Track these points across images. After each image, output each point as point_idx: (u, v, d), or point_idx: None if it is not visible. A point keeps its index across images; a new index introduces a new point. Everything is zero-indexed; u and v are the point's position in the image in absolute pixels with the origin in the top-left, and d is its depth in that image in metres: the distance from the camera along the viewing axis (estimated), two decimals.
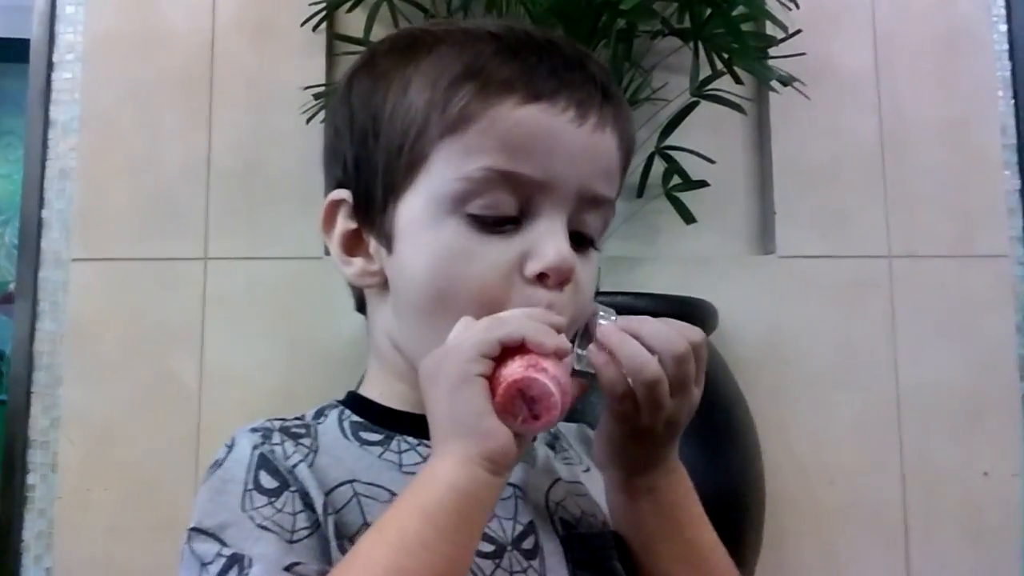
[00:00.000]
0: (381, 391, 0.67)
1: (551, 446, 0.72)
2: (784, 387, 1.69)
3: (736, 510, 1.41)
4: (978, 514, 1.69)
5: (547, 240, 0.60)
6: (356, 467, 0.61)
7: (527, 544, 0.62)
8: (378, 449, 0.63)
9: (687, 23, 1.57)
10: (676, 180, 1.63)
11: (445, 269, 0.60)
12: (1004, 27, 1.87)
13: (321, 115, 1.58)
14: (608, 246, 1.62)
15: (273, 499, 0.57)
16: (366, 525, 0.58)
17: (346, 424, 0.65)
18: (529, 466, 0.67)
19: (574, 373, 0.58)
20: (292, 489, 0.58)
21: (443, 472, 0.53)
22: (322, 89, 1.65)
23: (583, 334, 0.61)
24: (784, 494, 1.61)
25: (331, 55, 1.75)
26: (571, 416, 0.61)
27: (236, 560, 0.54)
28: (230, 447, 0.61)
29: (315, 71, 1.70)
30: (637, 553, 0.65)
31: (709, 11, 1.52)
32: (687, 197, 1.63)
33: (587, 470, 0.71)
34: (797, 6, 1.60)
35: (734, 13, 1.51)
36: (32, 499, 1.67)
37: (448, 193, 0.60)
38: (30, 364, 1.70)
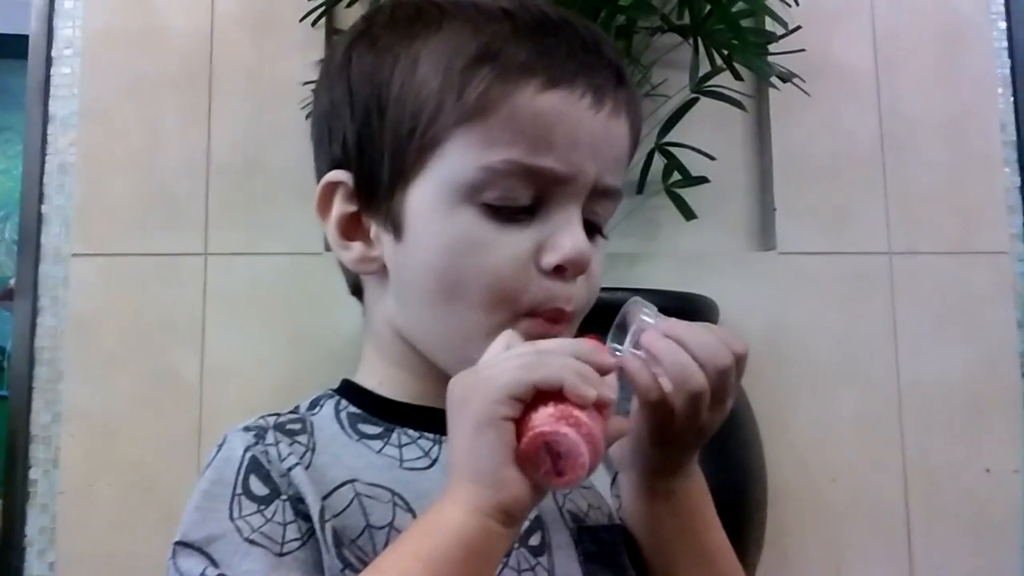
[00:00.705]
0: (380, 380, 0.65)
1: None
2: (785, 383, 1.69)
3: (738, 506, 1.41)
4: (980, 510, 1.69)
5: (564, 232, 0.59)
6: (356, 465, 0.59)
7: (534, 541, 0.61)
8: (378, 443, 0.61)
9: (687, 19, 1.56)
10: (676, 176, 1.63)
11: (459, 259, 0.58)
12: (1003, 24, 1.87)
13: None
14: (608, 242, 1.62)
15: (263, 507, 0.55)
16: (369, 527, 0.56)
17: (343, 415, 0.63)
18: None
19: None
20: (283, 497, 0.56)
21: (453, 519, 0.49)
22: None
23: (618, 326, 0.58)
24: (785, 490, 1.61)
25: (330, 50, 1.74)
26: None
27: None
28: (221, 447, 0.59)
29: (315, 66, 1.70)
30: (649, 554, 0.64)
31: (709, 7, 1.52)
32: (687, 193, 1.63)
33: None
34: (797, 3, 1.61)
35: (734, 9, 1.51)
36: (35, 494, 1.67)
37: (465, 182, 0.58)
38: (31, 360, 1.70)
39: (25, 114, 1.78)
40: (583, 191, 0.60)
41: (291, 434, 0.60)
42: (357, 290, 0.68)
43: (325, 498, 0.57)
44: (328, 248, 0.67)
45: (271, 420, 0.61)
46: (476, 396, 0.50)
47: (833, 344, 1.72)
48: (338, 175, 0.63)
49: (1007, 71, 1.86)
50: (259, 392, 1.59)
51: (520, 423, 0.50)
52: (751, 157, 1.81)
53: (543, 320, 0.59)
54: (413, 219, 0.60)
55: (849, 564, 1.67)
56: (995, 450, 1.71)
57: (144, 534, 1.57)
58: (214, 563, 0.54)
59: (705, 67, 1.58)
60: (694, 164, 1.64)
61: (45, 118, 1.77)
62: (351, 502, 0.57)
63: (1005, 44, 1.87)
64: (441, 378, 0.58)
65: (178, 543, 0.56)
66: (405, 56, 0.60)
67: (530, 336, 0.55)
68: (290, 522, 0.55)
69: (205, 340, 1.65)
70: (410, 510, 0.58)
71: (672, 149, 1.63)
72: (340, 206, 0.63)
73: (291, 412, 0.63)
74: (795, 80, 1.58)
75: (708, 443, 1.35)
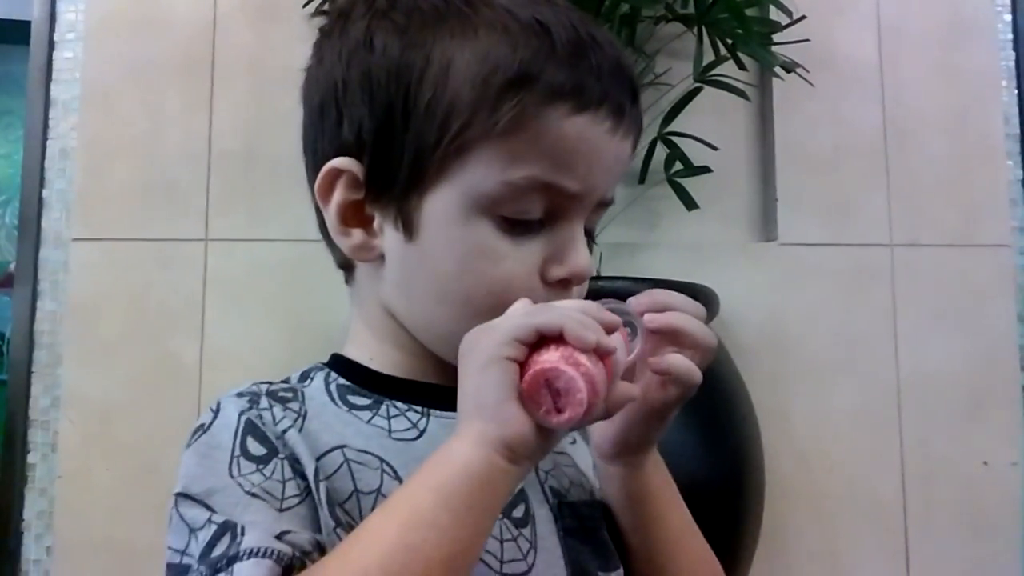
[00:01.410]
0: (371, 355, 0.66)
1: None
2: (784, 375, 1.70)
3: (735, 497, 1.42)
4: (977, 503, 1.69)
5: (571, 248, 0.61)
6: (346, 432, 0.61)
7: (517, 512, 0.62)
8: (366, 414, 0.62)
9: (691, 8, 1.56)
10: (678, 166, 1.63)
11: (472, 267, 0.60)
12: (1009, 17, 1.88)
13: None
14: (609, 232, 1.62)
15: (261, 466, 0.56)
16: (357, 492, 0.58)
17: (333, 387, 0.64)
18: None
19: None
20: (281, 456, 0.57)
21: (459, 453, 0.51)
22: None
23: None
24: (783, 482, 1.61)
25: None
26: None
27: (228, 527, 0.53)
28: (216, 412, 0.60)
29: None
30: (627, 531, 0.67)
31: None
32: (689, 183, 1.63)
33: (573, 442, 0.72)
34: None
35: None
36: (33, 478, 1.67)
37: (485, 194, 0.59)
38: (31, 344, 1.71)
39: (27, 98, 1.78)
40: (590, 206, 0.63)
41: (283, 401, 0.61)
42: (345, 266, 0.69)
43: (318, 459, 0.58)
44: (321, 232, 0.67)
45: (263, 387, 0.62)
46: (483, 340, 0.53)
47: (833, 335, 1.72)
48: (346, 163, 0.63)
49: (1011, 64, 1.86)
50: (258, 377, 1.57)
51: (523, 367, 0.52)
52: (753, 147, 1.81)
53: None
54: (429, 223, 0.61)
55: (846, 555, 1.67)
56: (994, 443, 1.71)
57: (142, 519, 1.57)
58: (217, 514, 0.55)
59: (709, 56, 1.58)
60: (696, 154, 1.63)
61: (47, 102, 1.77)
62: (340, 466, 0.58)
63: (1010, 37, 1.87)
64: (429, 355, 0.63)
65: (179, 494, 0.56)
66: (437, 58, 0.60)
67: None
68: (288, 479, 0.56)
69: (205, 325, 1.66)
70: (397, 477, 0.59)
71: (674, 139, 1.63)
72: (343, 193, 0.63)
73: (282, 382, 0.65)
74: (799, 70, 1.58)
75: (707, 432, 1.36)
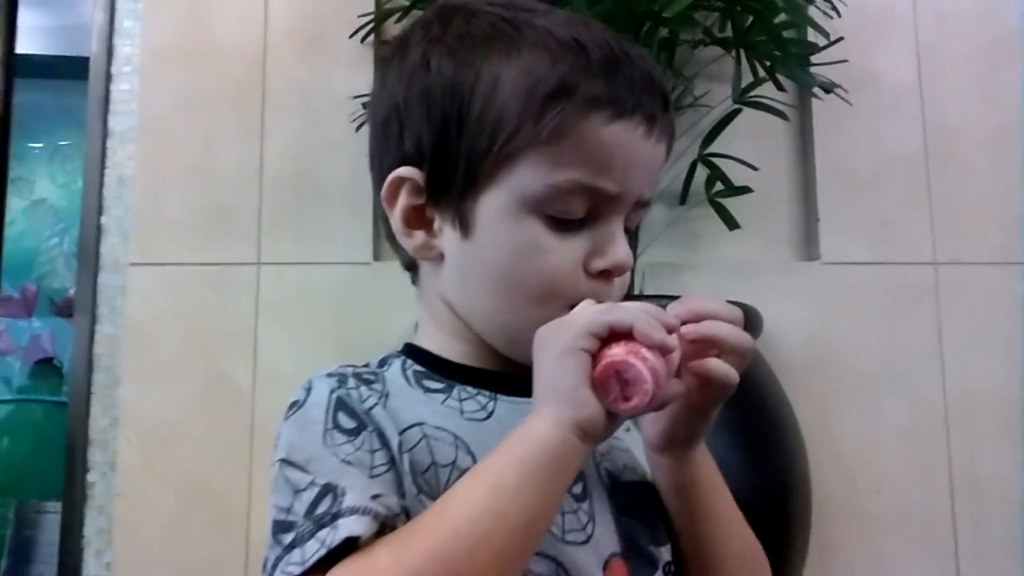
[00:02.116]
0: (439, 345, 0.71)
1: None
2: (830, 394, 1.69)
3: (782, 516, 1.42)
4: None
5: (611, 243, 0.67)
6: (423, 411, 0.66)
7: (577, 489, 0.67)
8: (440, 396, 0.68)
9: (729, 32, 1.58)
10: (719, 187, 1.65)
11: (523, 261, 0.66)
12: None
13: None
14: (652, 252, 1.64)
15: (352, 437, 0.62)
16: (435, 464, 0.63)
17: (409, 372, 0.70)
18: None
19: None
20: (369, 429, 0.62)
21: (538, 430, 0.58)
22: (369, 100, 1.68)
23: None
24: (831, 501, 1.61)
25: (379, 65, 1.78)
26: None
27: (330, 489, 0.59)
28: (308, 390, 0.65)
29: (364, 81, 1.72)
30: (674, 514, 0.72)
31: (751, 19, 1.53)
32: (730, 203, 1.64)
33: (627, 430, 0.76)
34: (839, 14, 1.61)
35: (776, 21, 1.52)
36: (92, 496, 1.71)
37: (533, 195, 0.65)
38: (90, 366, 1.74)
39: (86, 129, 1.84)
40: (628, 206, 0.69)
41: (367, 382, 0.67)
42: (410, 266, 0.75)
43: (401, 434, 0.64)
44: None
45: (349, 369, 0.68)
46: (560, 332, 0.59)
47: (878, 354, 1.72)
48: (408, 171, 0.69)
49: None
50: None
51: (595, 358, 0.58)
52: (794, 167, 1.82)
53: None
54: (483, 222, 0.67)
55: (896, 575, 1.66)
56: None
57: (198, 535, 1.62)
58: (319, 477, 0.60)
59: (747, 78, 1.59)
60: (737, 175, 1.65)
61: (104, 133, 1.83)
62: (420, 441, 0.64)
63: None
64: (488, 346, 0.70)
65: (282, 460, 0.62)
66: (486, 75, 0.66)
67: None
68: (376, 450, 0.62)
69: (257, 347, 1.69)
70: (470, 452, 0.64)
71: (715, 160, 1.64)
72: (406, 198, 0.69)
73: (364, 366, 0.71)
74: (838, 90, 1.59)
75: (753, 451, 1.36)
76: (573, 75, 0.65)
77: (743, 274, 1.72)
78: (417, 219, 0.70)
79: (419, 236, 0.70)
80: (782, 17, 1.53)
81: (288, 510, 0.59)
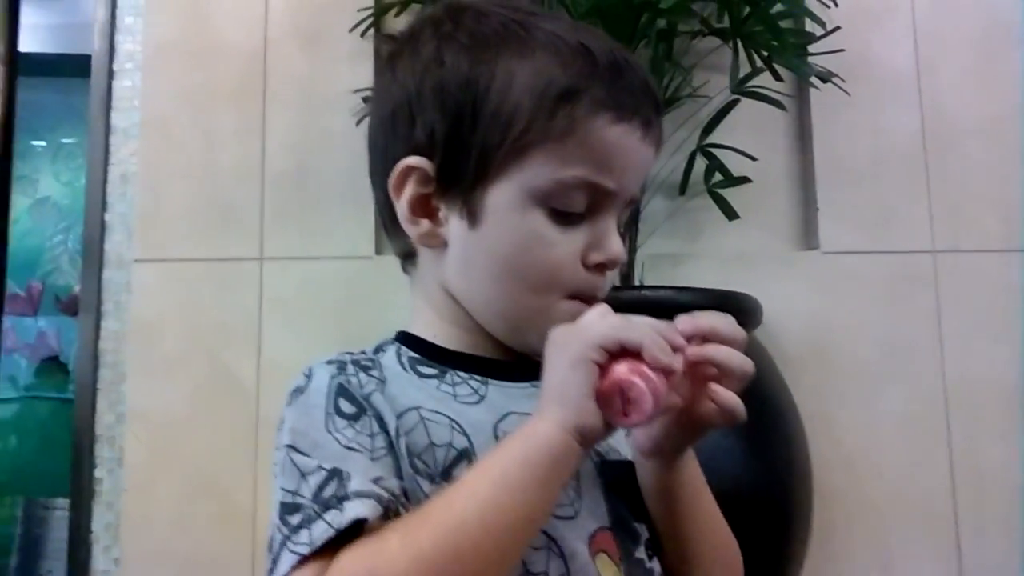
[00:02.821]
0: (435, 333, 0.74)
1: None
2: (830, 382, 1.70)
3: (783, 504, 1.43)
4: None
5: (607, 237, 0.71)
6: (419, 396, 0.69)
7: None
8: (434, 382, 0.71)
9: (726, 22, 1.58)
10: (718, 177, 1.65)
11: (527, 251, 0.70)
12: None
13: None
14: (652, 243, 1.65)
15: (353, 422, 0.65)
16: (431, 444, 0.67)
17: (404, 359, 0.73)
18: None
19: None
20: (369, 414, 0.65)
21: (543, 432, 0.61)
22: (371, 93, 1.69)
23: None
24: (832, 489, 1.62)
25: (379, 59, 1.79)
26: None
27: (336, 473, 0.61)
28: (309, 377, 0.68)
29: (364, 75, 1.72)
30: (658, 521, 0.74)
31: (748, 9, 1.54)
32: (729, 194, 1.65)
33: None
34: (836, 3, 1.62)
35: (773, 11, 1.53)
36: (100, 492, 1.71)
37: (540, 188, 0.69)
38: (96, 362, 1.75)
39: (88, 126, 1.84)
40: (623, 203, 0.73)
41: (365, 368, 0.70)
42: (405, 255, 0.78)
43: (398, 417, 0.67)
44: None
45: (347, 356, 0.71)
46: (575, 340, 0.62)
47: (878, 342, 1.73)
48: (418, 161, 0.71)
49: None
50: None
51: (603, 370, 0.61)
52: (792, 157, 1.83)
53: (580, 302, 0.70)
54: (491, 213, 0.70)
55: (897, 563, 1.67)
56: None
57: (204, 530, 1.63)
58: (325, 462, 0.63)
59: (745, 69, 1.60)
60: (736, 165, 1.66)
61: (107, 130, 1.83)
62: (417, 424, 0.67)
63: None
64: (484, 332, 0.73)
65: (288, 445, 0.64)
66: (501, 73, 0.70)
67: (570, 313, 0.67)
68: (376, 433, 0.65)
69: (261, 341, 1.71)
70: (464, 433, 0.68)
71: (713, 150, 1.65)
72: (414, 187, 0.72)
73: (361, 352, 0.73)
74: (835, 80, 1.60)
75: (754, 440, 1.37)
76: (582, 78, 0.69)
77: (743, 264, 1.73)
78: (423, 208, 0.72)
79: (424, 224, 0.72)
80: (779, 7, 1.54)
81: (295, 492, 0.62)
